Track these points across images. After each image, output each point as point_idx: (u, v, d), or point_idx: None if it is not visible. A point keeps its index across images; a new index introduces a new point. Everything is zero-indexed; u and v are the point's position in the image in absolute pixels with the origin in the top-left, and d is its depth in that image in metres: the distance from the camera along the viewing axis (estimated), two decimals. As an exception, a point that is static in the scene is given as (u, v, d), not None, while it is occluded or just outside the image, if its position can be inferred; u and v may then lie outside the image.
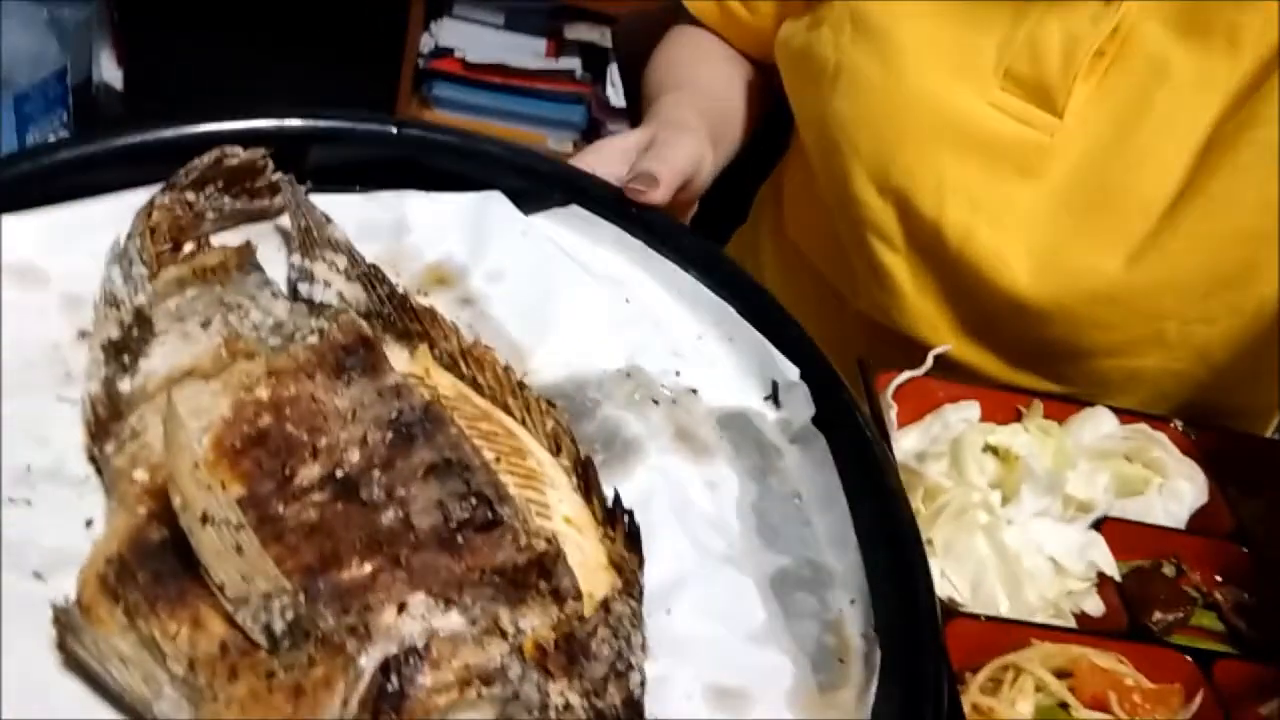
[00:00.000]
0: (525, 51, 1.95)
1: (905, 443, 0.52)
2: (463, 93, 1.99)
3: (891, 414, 0.52)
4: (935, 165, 0.59)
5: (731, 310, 0.46)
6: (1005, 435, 0.52)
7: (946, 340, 0.61)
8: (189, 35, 1.81)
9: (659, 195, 0.50)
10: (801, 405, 0.43)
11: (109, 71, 1.57)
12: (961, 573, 0.46)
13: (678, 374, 0.45)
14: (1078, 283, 0.57)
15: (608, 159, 0.52)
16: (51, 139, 1.52)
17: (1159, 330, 0.57)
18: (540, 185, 0.49)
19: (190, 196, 0.42)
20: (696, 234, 0.52)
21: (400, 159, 0.48)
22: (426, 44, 1.92)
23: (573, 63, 1.97)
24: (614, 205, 0.49)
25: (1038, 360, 0.61)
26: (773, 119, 0.75)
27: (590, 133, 2.04)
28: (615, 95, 1.95)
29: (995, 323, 0.61)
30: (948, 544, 0.47)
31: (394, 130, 0.48)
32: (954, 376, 0.56)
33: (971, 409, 0.54)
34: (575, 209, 0.49)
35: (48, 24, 1.44)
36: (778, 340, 0.45)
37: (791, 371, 0.44)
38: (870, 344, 0.66)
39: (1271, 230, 0.53)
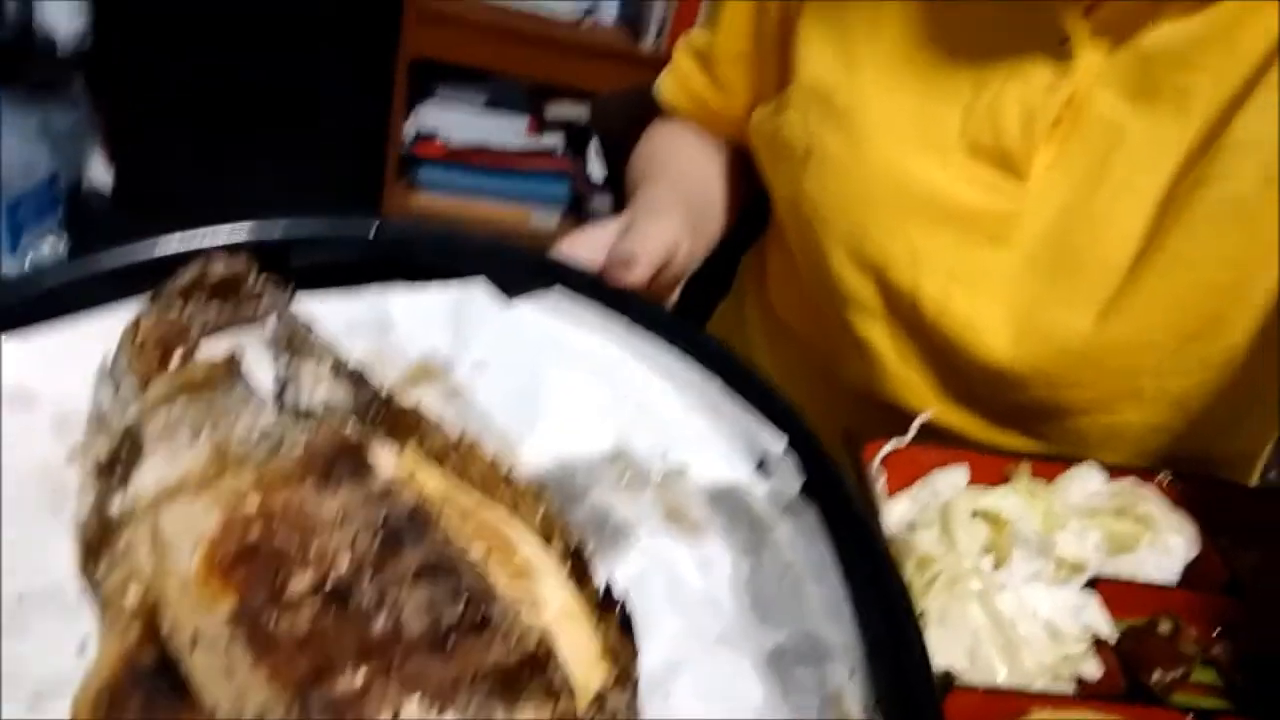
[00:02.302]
0: (507, 131, 1.99)
1: (895, 512, 0.52)
2: (448, 175, 2.03)
3: (880, 484, 0.53)
4: (908, 237, 0.60)
5: (716, 385, 0.47)
6: (994, 499, 0.52)
7: (930, 406, 0.62)
8: (177, 134, 1.85)
9: (637, 275, 0.51)
10: (790, 476, 0.44)
11: (99, 174, 1.60)
12: (958, 642, 0.46)
13: (666, 454, 0.45)
14: (1052, 344, 0.58)
15: (587, 245, 0.53)
16: (45, 243, 1.55)
17: (1134, 386, 0.58)
18: (522, 273, 0.50)
19: (176, 309, 0.43)
20: (676, 314, 0.52)
21: (382, 256, 0.49)
22: (410, 129, 1.96)
23: (555, 139, 2.01)
24: (595, 288, 0.50)
25: (1020, 420, 0.61)
26: (757, 193, 0.77)
27: (574, 207, 2.08)
28: (598, 169, 1.98)
29: (977, 387, 0.61)
30: (942, 613, 0.47)
31: (374, 230, 0.49)
32: (940, 442, 0.57)
33: (959, 474, 0.54)
34: (558, 294, 0.50)
35: (39, 131, 1.47)
36: (763, 411, 0.45)
37: (778, 442, 0.44)
38: (857, 412, 0.67)
39: (1233, 284, 0.54)
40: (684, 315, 0.71)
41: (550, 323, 0.49)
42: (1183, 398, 0.58)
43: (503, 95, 1.97)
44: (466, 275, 0.49)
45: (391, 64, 1.82)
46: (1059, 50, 0.56)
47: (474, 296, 0.49)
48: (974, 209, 0.59)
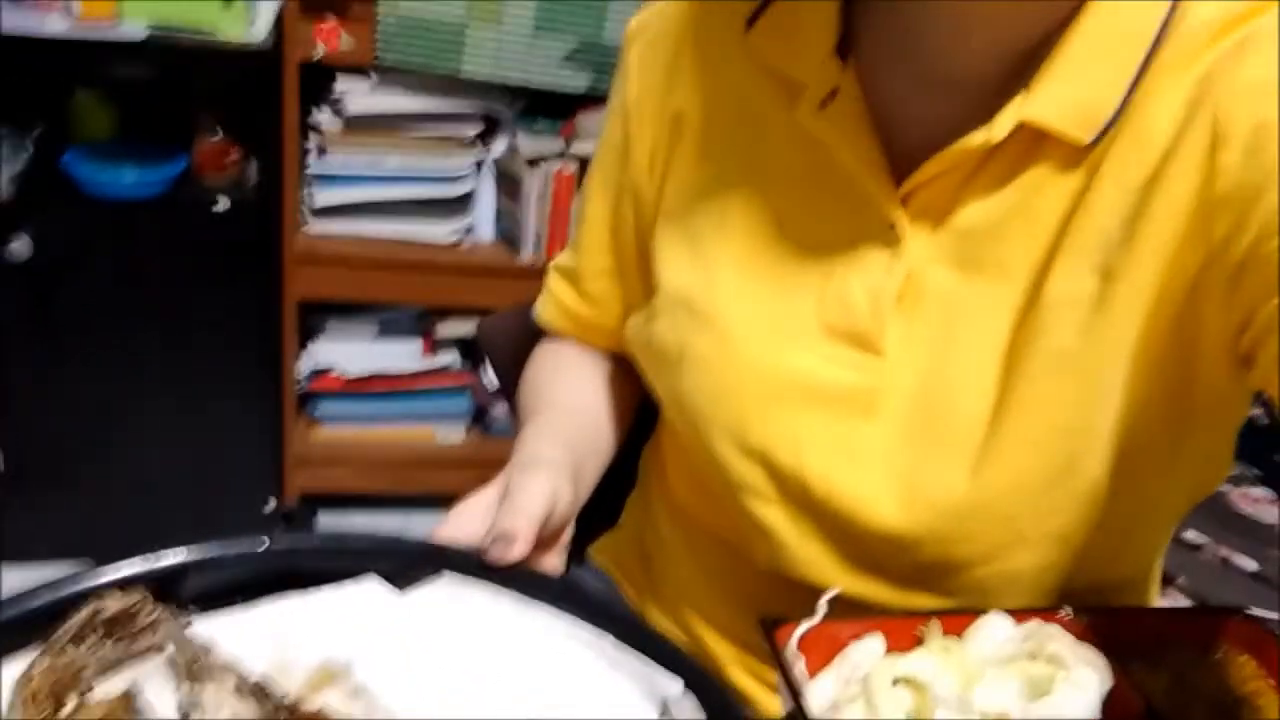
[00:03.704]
0: (401, 356, 2.02)
1: (819, 693, 0.53)
2: (346, 406, 2.04)
3: (799, 666, 0.53)
4: (786, 423, 0.64)
5: (609, 640, 0.50)
6: (910, 664, 0.53)
7: (835, 578, 0.64)
8: (67, 396, 1.82)
9: (518, 551, 0.54)
10: (692, 715, 0.46)
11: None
12: (901, 818, 0.46)
13: (573, 715, 0.47)
14: (934, 505, 0.61)
15: (466, 524, 0.56)
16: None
17: (1017, 531, 0.61)
18: (410, 563, 0.53)
19: (70, 654, 0.44)
20: (559, 577, 0.57)
21: (275, 570, 0.51)
22: (305, 366, 1.97)
23: (449, 357, 2.05)
24: (481, 568, 0.53)
25: (923, 581, 0.63)
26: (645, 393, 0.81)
27: (477, 418, 2.09)
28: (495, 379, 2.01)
29: (876, 554, 0.64)
30: (880, 790, 0.47)
31: (263, 547, 0.52)
32: (852, 613, 0.58)
33: (875, 643, 0.56)
34: (446, 578, 0.53)
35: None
36: (656, 657, 0.49)
37: (675, 685, 0.47)
38: (772, 591, 0.68)
39: (1078, 425, 0.58)
40: (596, 510, 0.74)
41: (443, 606, 0.52)
42: (1062, 535, 0.61)
43: (393, 322, 2.01)
44: (357, 573, 0.52)
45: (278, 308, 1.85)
46: (889, 236, 0.61)
47: (366, 594, 0.51)
48: (841, 387, 0.63)
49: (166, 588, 0.48)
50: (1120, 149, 0.56)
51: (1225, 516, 1.32)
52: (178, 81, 1.85)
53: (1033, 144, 0.58)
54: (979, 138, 0.57)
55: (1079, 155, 0.57)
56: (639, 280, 0.74)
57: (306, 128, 1.84)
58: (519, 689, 0.47)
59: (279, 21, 1.72)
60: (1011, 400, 0.59)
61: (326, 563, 0.52)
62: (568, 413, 0.73)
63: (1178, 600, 1.15)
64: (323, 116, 1.84)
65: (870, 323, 0.62)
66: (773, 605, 0.57)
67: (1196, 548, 1.26)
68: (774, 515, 0.66)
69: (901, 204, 0.61)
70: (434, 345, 2.03)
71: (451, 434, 2.08)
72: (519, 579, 0.52)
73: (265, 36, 1.72)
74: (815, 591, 0.59)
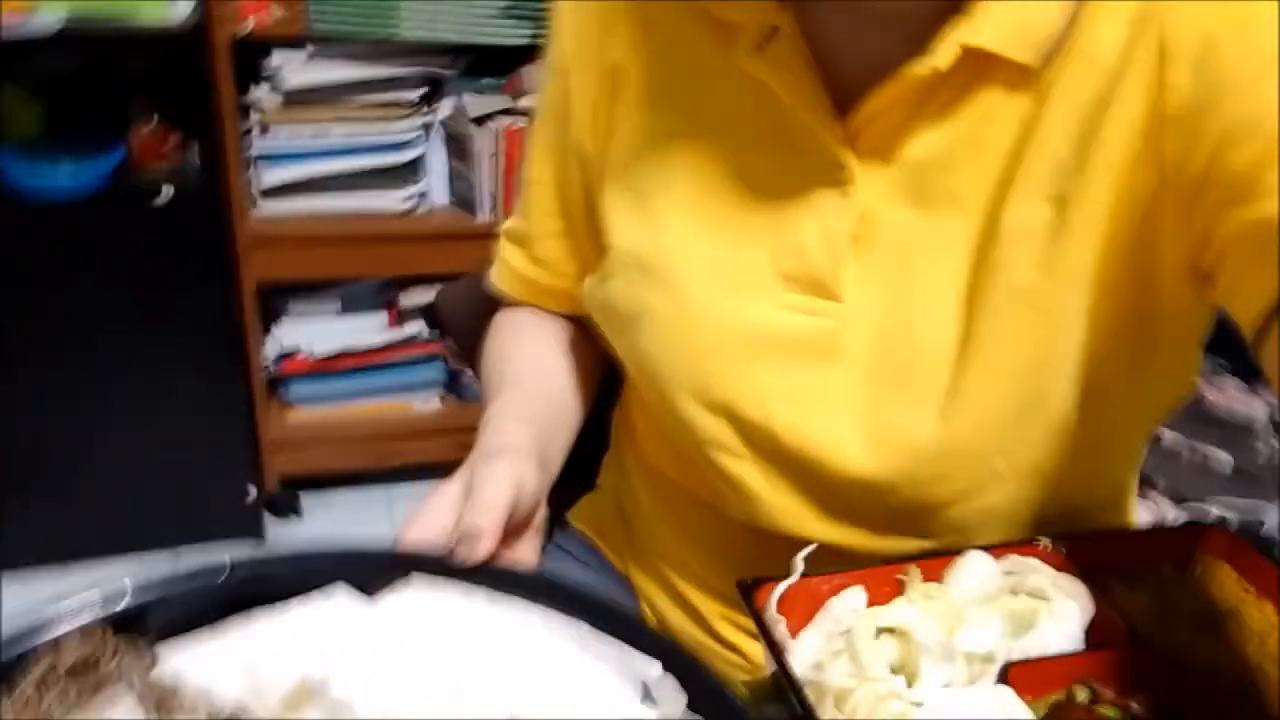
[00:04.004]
0: (367, 330, 2.00)
1: (802, 653, 0.52)
2: (318, 386, 2.02)
3: (780, 628, 0.53)
4: (749, 375, 0.63)
5: (585, 627, 0.49)
6: (893, 614, 0.53)
7: (812, 528, 0.63)
8: (34, 404, 1.79)
9: (484, 548, 0.53)
10: (673, 696, 0.45)
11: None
12: (893, 771, 0.46)
13: (558, 709, 0.46)
14: (905, 447, 0.60)
15: (432, 522, 0.54)
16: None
17: (989, 467, 0.60)
18: (377, 571, 0.51)
19: (33, 700, 0.42)
20: (529, 570, 0.56)
21: (238, 595, 0.50)
22: (272, 350, 1.95)
23: (416, 326, 2.02)
24: (449, 569, 0.52)
25: (899, 524, 0.63)
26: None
27: (451, 384, 2.08)
28: (465, 345, 1.99)
29: (850, 501, 0.63)
30: (870, 745, 0.47)
31: (226, 573, 0.50)
32: (832, 561, 0.58)
33: (856, 595, 0.55)
34: (415, 580, 0.51)
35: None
36: (634, 642, 0.47)
37: (655, 668, 0.46)
38: (751, 545, 0.68)
39: (1043, 358, 0.57)
40: (573, 475, 0.73)
41: (415, 614, 0.50)
42: (1036, 468, 0.60)
43: (355, 297, 1.99)
44: (324, 586, 0.50)
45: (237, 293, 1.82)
46: (839, 176, 0.60)
47: (336, 606, 0.50)
48: (801, 335, 0.62)
49: (130, 626, 0.46)
50: (1069, 72, 0.55)
51: (1199, 414, 1.32)
52: (104, 71, 1.79)
53: (979, 70, 0.56)
54: (923, 66, 0.55)
55: (1027, 80, 0.56)
56: (591, 241, 0.72)
57: (245, 107, 1.79)
58: (497, 687, 0.46)
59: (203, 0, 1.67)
60: (974, 337, 0.58)
61: (293, 578, 0.50)
62: (531, 388, 0.71)
63: (1160, 504, 1.16)
64: (260, 94, 1.79)
65: (826, 267, 0.61)
66: (753, 558, 0.57)
67: (1174, 451, 1.27)
68: (744, 469, 0.65)
69: (850, 144, 0.60)
70: (399, 316, 2.01)
71: (427, 403, 2.07)
72: (489, 576, 0.52)
73: (187, 17, 1.67)
74: (794, 542, 0.58)
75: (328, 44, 1.76)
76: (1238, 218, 0.50)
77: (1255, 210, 0.49)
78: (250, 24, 1.71)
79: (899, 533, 0.63)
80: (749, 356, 0.63)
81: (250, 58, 1.76)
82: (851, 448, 0.61)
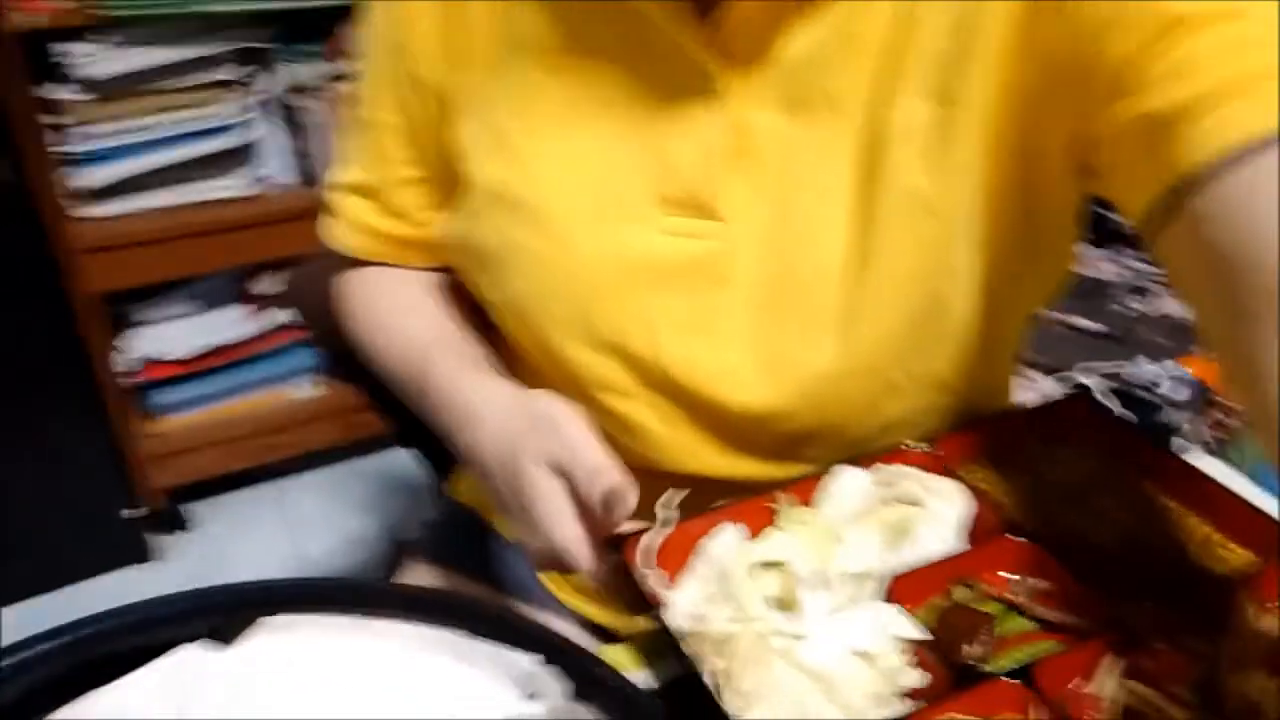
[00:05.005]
0: (228, 324, 1.90)
1: (684, 600, 0.50)
2: (185, 390, 1.92)
3: (652, 578, 0.51)
4: (635, 308, 0.59)
5: (460, 636, 0.46)
6: (767, 547, 0.51)
7: (710, 462, 0.61)
8: None
9: (629, 493, 0.50)
10: (554, 688, 0.43)
11: None
12: (782, 710, 0.45)
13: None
14: (802, 375, 0.58)
15: (566, 517, 0.51)
16: None
17: (888, 381, 0.58)
18: (229, 614, 0.47)
19: None
20: (386, 586, 0.53)
21: (86, 660, 0.45)
22: (127, 360, 1.84)
23: (279, 314, 1.93)
24: (304, 599, 0.48)
25: (799, 449, 0.61)
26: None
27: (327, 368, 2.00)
28: (333, 325, 1.92)
29: (748, 433, 0.60)
30: (757, 687, 0.45)
31: (67, 640, 0.45)
32: (729, 494, 0.56)
33: (730, 533, 0.53)
34: (268, 621, 0.47)
35: None
36: (513, 640, 0.45)
37: (534, 661, 0.44)
38: (649, 486, 0.65)
39: (937, 265, 0.55)
40: (442, 446, 0.69)
41: (274, 654, 0.47)
42: (934, 376, 0.58)
43: (209, 293, 1.88)
44: (180, 634, 0.46)
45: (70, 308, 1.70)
46: (708, 87, 0.56)
47: (191, 658, 0.46)
48: (685, 260, 0.58)
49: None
50: None
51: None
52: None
53: None
54: None
55: None
56: (449, 181, 0.66)
57: (53, 106, 1.66)
58: (381, 710, 0.43)
59: (-23, -3, 1.53)
60: (867, 249, 0.55)
61: (140, 635, 0.46)
62: (454, 342, 0.66)
63: (1039, 380, 1.17)
64: (64, 91, 1.66)
65: (704, 185, 0.57)
66: (652, 500, 0.54)
67: (1043, 323, 1.29)
68: (636, 409, 0.61)
69: (719, 51, 0.56)
70: (259, 306, 1.91)
71: (303, 390, 1.99)
72: (344, 595, 0.48)
73: (-34, 17, 1.53)
74: (691, 479, 0.56)
75: (134, 29, 1.64)
76: (1122, 112, 0.47)
77: (1139, 104, 0.46)
78: (37, 19, 1.58)
79: (799, 459, 0.60)
80: (633, 288, 0.59)
81: (49, 52, 1.62)
82: (747, 378, 0.58)
